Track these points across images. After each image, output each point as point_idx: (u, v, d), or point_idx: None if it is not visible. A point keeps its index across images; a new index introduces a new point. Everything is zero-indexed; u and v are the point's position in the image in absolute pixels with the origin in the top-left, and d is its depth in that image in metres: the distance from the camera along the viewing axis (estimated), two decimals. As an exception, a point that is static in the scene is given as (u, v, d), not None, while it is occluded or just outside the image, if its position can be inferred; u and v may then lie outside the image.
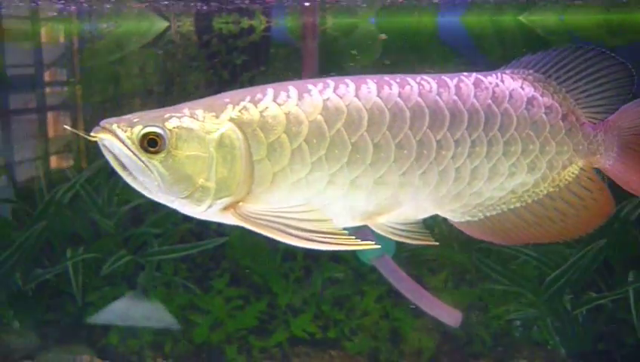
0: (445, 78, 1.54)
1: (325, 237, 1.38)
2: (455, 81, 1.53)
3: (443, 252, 3.78)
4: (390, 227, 1.54)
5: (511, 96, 1.54)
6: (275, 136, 1.40)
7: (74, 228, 3.96)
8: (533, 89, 1.56)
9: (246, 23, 3.68)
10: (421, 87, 1.50)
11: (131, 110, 1.47)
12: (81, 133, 1.38)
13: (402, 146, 1.47)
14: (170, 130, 1.37)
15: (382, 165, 1.46)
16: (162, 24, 3.74)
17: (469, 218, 1.61)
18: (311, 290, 3.84)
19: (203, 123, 1.39)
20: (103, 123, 1.39)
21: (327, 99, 1.43)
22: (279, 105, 1.42)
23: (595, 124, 1.58)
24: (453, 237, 3.84)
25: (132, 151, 1.37)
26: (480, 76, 1.56)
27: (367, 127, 1.44)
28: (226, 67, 3.73)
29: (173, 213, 1.64)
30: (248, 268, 3.87)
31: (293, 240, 1.38)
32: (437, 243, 1.52)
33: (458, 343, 3.72)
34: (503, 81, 1.56)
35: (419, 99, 1.48)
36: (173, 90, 3.74)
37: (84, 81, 3.83)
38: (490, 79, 1.56)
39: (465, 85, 1.53)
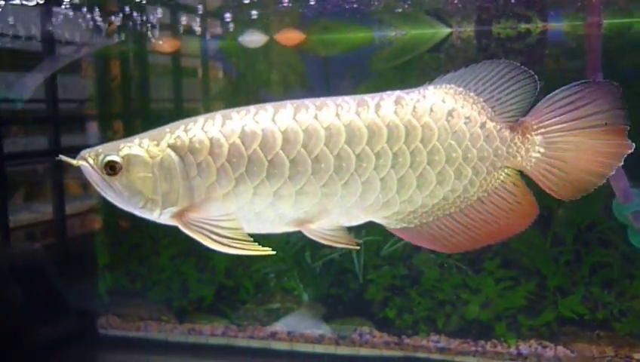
0: (366, 97, 1.70)
1: (234, 243, 1.64)
2: (376, 100, 1.69)
3: None
4: (319, 232, 1.72)
5: (432, 110, 1.67)
6: (202, 157, 1.67)
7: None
8: (454, 102, 1.69)
9: (523, 27, 4.05)
10: (339, 107, 1.68)
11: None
12: (69, 160, 1.71)
13: (319, 161, 1.65)
14: (122, 157, 1.69)
15: (301, 178, 1.66)
16: (445, 31, 4.19)
17: (404, 224, 1.74)
18: (580, 273, 4.09)
19: (147, 149, 1.70)
20: (82, 153, 1.73)
21: (245, 124, 1.67)
22: (205, 132, 1.69)
23: (512, 128, 1.70)
24: None
25: (98, 174, 1.70)
26: (402, 94, 1.69)
27: (282, 145, 1.65)
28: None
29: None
30: (519, 252, 4.17)
31: (213, 244, 1.66)
32: (358, 248, 1.71)
33: None
34: (424, 97, 1.69)
35: (334, 118, 1.66)
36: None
37: (373, 83, 4.33)
38: (412, 96, 1.69)
39: (384, 103, 1.68)
